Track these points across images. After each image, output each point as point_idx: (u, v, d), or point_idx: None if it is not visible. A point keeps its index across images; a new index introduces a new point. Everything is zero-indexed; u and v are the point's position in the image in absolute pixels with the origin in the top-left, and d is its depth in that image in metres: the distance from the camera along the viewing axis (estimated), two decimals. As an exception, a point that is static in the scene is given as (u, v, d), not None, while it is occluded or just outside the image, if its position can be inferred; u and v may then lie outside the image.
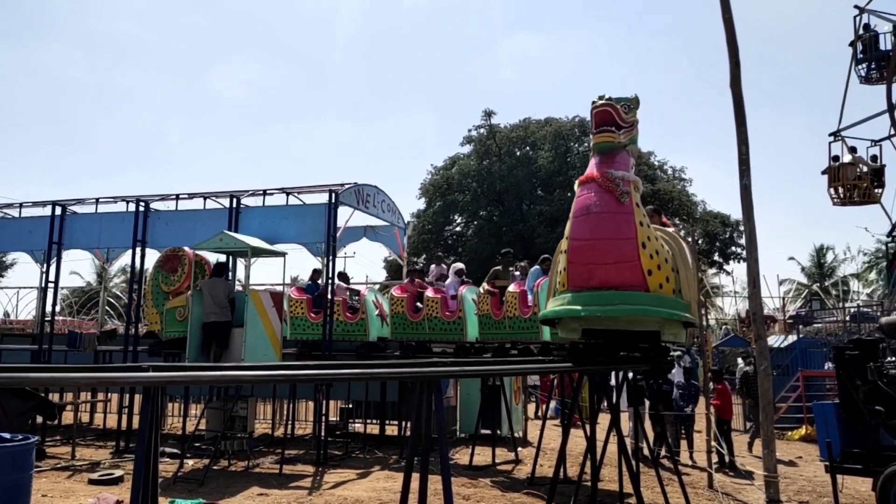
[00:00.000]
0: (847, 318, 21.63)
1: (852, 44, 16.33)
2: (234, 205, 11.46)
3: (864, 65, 16.28)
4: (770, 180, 68.39)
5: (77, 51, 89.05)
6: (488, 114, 34.08)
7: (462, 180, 33.24)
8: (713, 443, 9.32)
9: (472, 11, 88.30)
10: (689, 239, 8.27)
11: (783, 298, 29.54)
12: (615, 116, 5.66)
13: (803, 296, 35.32)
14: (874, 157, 16.38)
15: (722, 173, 74.45)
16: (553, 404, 14.51)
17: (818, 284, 36.88)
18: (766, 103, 72.11)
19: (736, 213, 31.66)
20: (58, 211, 12.31)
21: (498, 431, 11.25)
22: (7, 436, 5.87)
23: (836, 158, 16.38)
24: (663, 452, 10.32)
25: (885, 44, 16.14)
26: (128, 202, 12.00)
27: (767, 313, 23.62)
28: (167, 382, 4.33)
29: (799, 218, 67.96)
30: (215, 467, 9.12)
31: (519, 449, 11.09)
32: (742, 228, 15.06)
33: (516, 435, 11.73)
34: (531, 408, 17.51)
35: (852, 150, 16.14)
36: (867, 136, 16.47)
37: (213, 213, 11.73)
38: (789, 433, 14.24)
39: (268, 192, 11.56)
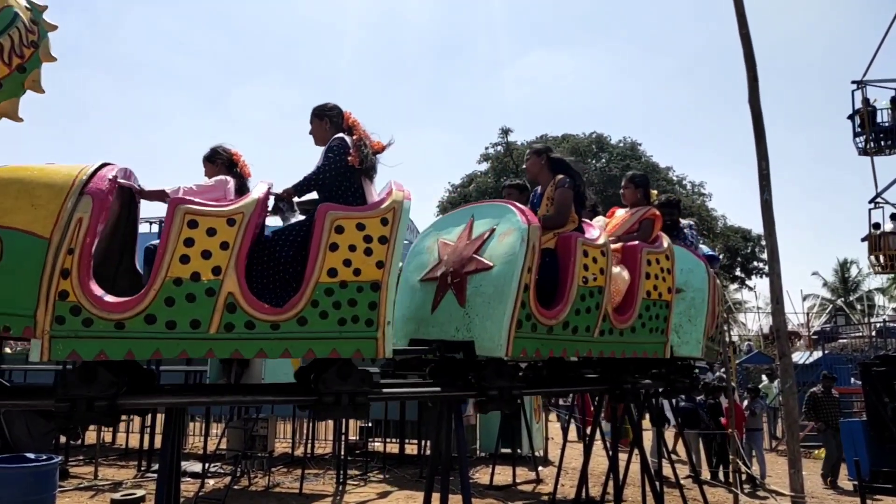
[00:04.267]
0: (873, 334, 21.31)
1: (850, 117, 16.52)
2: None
3: (862, 137, 16.46)
4: (791, 194, 67.76)
5: (105, 76, 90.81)
6: (505, 131, 34.19)
7: (480, 198, 33.29)
8: (739, 462, 9.16)
9: (485, 30, 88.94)
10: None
11: (807, 314, 29.19)
12: None
13: (828, 311, 34.80)
14: None
15: (742, 187, 73.94)
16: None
17: (842, 299, 36.31)
18: (786, 115, 71.64)
19: (757, 228, 31.41)
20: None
21: (518, 450, 11.14)
22: (31, 456, 5.94)
23: (876, 226, 16.32)
24: (723, 473, 10.19)
25: (881, 117, 16.38)
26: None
27: (791, 329, 23.36)
28: (188, 403, 4.35)
29: (822, 232, 67.16)
30: (236, 487, 9.13)
31: (540, 468, 10.98)
32: (763, 243, 14.95)
33: (537, 454, 11.62)
34: (554, 427, 17.33)
35: (894, 217, 16.14)
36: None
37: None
38: (816, 451, 13.97)
39: (287, 211, 11.64)
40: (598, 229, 4.90)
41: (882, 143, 16.33)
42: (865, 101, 16.30)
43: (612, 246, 5.00)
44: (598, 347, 4.68)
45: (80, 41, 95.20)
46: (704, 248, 7.48)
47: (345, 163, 3.94)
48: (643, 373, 5.95)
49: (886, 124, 16.29)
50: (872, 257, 16.43)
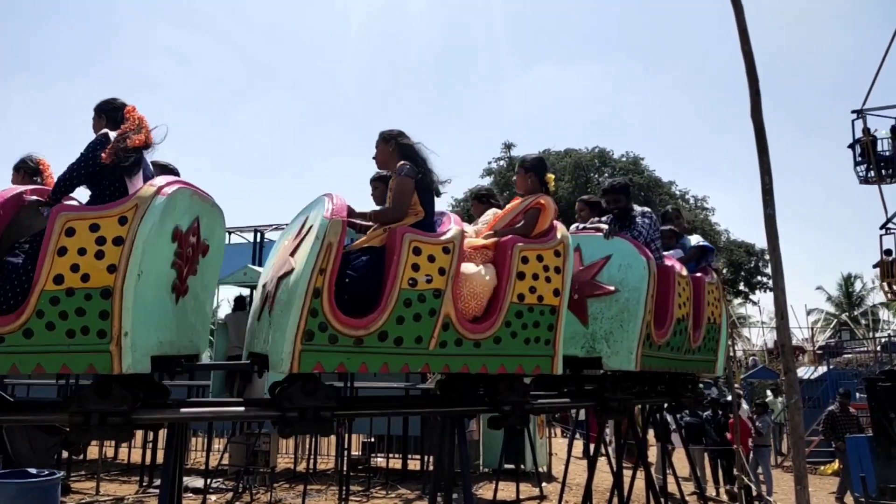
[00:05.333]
0: (878, 349, 21.21)
1: (851, 146, 16.55)
2: (258, 239, 11.62)
3: (863, 166, 16.49)
4: (795, 208, 67.72)
5: (108, 91, 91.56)
6: (508, 146, 34.27)
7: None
8: (745, 478, 9.09)
9: (488, 45, 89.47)
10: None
11: (812, 329, 29.02)
12: None
13: (832, 326, 34.65)
14: None
15: (745, 202, 73.91)
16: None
17: (847, 314, 36.16)
18: (789, 129, 71.79)
19: (761, 242, 31.37)
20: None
21: (522, 466, 11.08)
22: (33, 471, 5.91)
23: (888, 252, 16.23)
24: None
25: (882, 146, 16.43)
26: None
27: (796, 344, 23.23)
28: (192, 419, 4.33)
29: (826, 246, 67.08)
30: (238, 502, 9.09)
31: (543, 484, 10.92)
32: (767, 258, 14.94)
33: (541, 470, 11.55)
34: (558, 442, 17.22)
35: None
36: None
37: (237, 247, 11.92)
38: (822, 467, 13.88)
39: (291, 226, 11.71)
40: (453, 223, 4.14)
41: (883, 172, 16.32)
42: (866, 130, 16.30)
43: (481, 242, 4.37)
44: (438, 362, 3.93)
45: (79, 53, 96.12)
46: (695, 239, 6.90)
47: (97, 160, 3.58)
48: (572, 387, 5.30)
49: (887, 153, 16.28)
50: (885, 284, 16.32)
